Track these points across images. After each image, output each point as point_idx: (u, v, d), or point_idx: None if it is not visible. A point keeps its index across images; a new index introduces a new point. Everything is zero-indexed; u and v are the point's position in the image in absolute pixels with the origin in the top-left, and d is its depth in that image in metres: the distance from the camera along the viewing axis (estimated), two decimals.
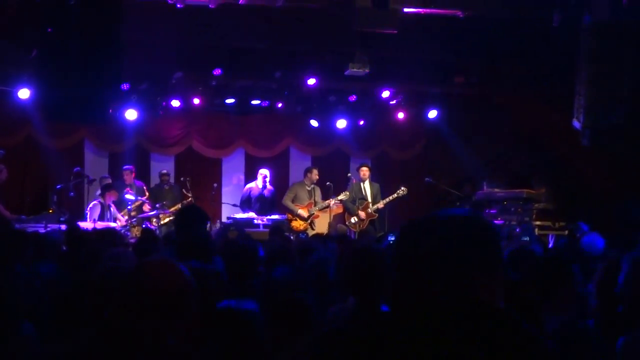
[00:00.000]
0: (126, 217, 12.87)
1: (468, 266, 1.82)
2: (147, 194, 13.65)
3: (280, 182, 15.11)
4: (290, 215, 13.72)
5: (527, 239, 11.55)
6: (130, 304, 2.23)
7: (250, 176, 14.77)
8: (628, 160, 13.52)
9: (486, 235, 1.89)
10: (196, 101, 14.44)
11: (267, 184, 13.86)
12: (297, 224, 13.63)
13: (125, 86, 13.61)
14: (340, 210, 14.21)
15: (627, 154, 13.04)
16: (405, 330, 1.79)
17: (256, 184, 13.99)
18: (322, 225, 13.83)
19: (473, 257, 1.83)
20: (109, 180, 13.47)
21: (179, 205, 13.33)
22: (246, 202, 13.84)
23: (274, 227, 11.12)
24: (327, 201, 13.64)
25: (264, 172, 13.97)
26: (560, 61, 13.27)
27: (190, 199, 13.44)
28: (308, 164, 15.44)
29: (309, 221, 13.66)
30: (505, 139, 14.73)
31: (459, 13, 12.50)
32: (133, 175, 13.89)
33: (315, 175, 13.91)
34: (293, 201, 13.79)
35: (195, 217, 6.00)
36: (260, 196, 13.81)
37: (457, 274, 1.82)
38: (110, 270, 3.70)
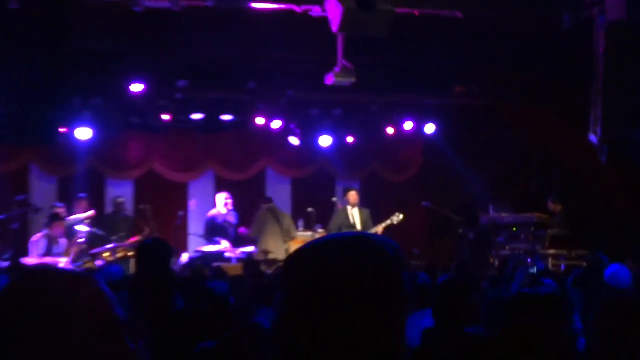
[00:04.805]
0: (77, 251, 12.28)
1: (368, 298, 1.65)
2: None
3: (256, 208, 14.48)
4: None
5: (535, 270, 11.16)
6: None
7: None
8: None
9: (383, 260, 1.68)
10: (158, 117, 13.76)
11: (229, 207, 13.52)
12: None
13: (76, 102, 13.00)
14: None
15: None
16: None
17: (218, 211, 13.52)
18: None
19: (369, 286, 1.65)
20: (60, 209, 12.81)
21: (139, 238, 12.72)
22: (212, 232, 13.31)
23: (248, 262, 11.24)
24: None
25: (223, 195, 13.62)
26: (574, 67, 12.76)
27: (148, 230, 12.85)
28: (287, 187, 15.54)
29: None
30: (512, 156, 14.64)
31: (458, 13, 11.96)
32: (85, 204, 13.35)
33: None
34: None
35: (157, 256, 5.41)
36: (227, 222, 13.43)
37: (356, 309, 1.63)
38: None
